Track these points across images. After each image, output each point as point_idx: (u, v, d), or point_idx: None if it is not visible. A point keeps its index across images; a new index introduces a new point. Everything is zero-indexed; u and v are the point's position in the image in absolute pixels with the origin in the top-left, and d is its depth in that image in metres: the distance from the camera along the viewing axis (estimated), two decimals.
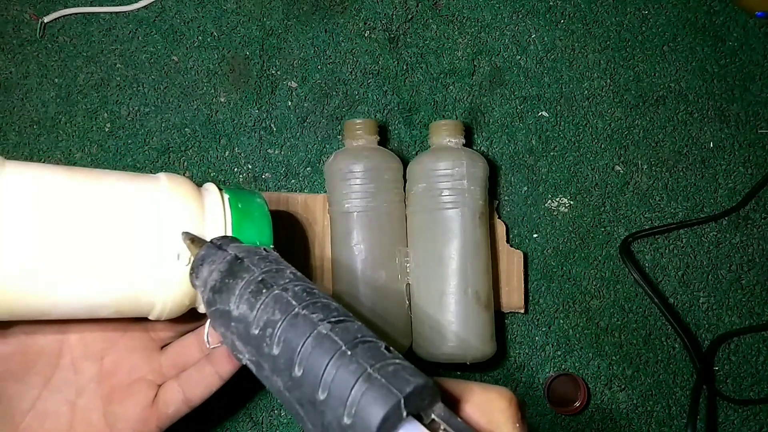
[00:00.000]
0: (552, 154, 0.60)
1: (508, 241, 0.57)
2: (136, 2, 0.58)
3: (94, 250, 0.35)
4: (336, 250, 0.49)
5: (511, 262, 0.56)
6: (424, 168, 0.50)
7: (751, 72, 0.63)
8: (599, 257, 0.60)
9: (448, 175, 0.49)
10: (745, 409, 0.60)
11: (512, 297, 0.56)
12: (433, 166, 0.49)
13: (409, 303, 0.50)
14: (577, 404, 0.57)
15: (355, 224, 0.48)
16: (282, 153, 0.58)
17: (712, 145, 0.62)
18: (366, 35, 0.60)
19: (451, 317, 0.47)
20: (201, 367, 0.40)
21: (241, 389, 0.55)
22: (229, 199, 0.39)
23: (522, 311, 0.57)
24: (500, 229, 0.57)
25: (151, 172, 0.56)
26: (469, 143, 0.53)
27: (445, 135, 0.51)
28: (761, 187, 0.61)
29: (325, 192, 0.54)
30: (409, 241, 0.50)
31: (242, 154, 0.57)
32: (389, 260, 0.49)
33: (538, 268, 0.59)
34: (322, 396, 0.24)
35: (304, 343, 0.25)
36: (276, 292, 0.27)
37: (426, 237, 0.49)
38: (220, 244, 0.31)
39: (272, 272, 0.28)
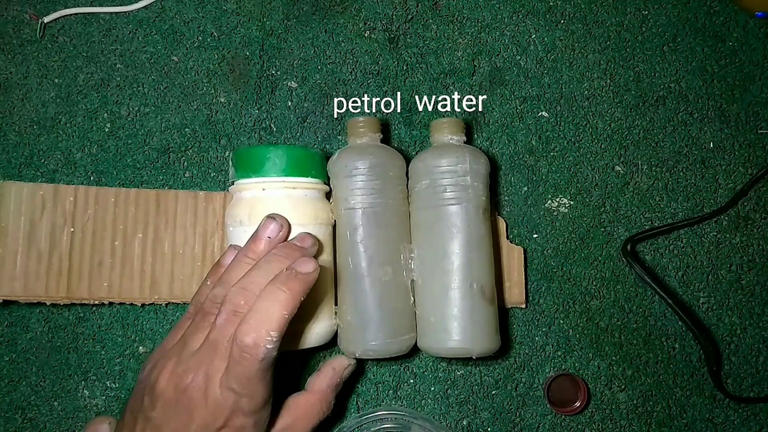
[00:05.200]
0: (552, 154, 0.60)
1: (507, 238, 0.57)
2: (136, 2, 0.58)
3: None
4: (342, 247, 0.49)
5: (512, 257, 0.57)
6: (428, 165, 0.50)
7: (751, 72, 0.63)
8: (599, 257, 0.60)
9: (451, 172, 0.49)
10: (746, 409, 0.60)
11: (513, 292, 0.56)
12: (436, 162, 0.49)
13: (414, 299, 0.50)
14: (578, 404, 0.57)
15: (361, 221, 0.48)
16: None
17: (712, 145, 0.62)
18: (366, 35, 0.60)
19: (457, 312, 0.47)
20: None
21: None
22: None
23: (523, 306, 0.57)
24: (500, 225, 0.57)
25: (150, 173, 0.56)
26: (469, 143, 0.53)
27: (447, 132, 0.52)
28: (752, 185, 0.61)
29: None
30: (412, 237, 0.50)
31: None
32: (395, 256, 0.49)
33: (538, 268, 0.59)
34: None
35: None
36: None
37: (430, 233, 0.49)
38: None
39: None
